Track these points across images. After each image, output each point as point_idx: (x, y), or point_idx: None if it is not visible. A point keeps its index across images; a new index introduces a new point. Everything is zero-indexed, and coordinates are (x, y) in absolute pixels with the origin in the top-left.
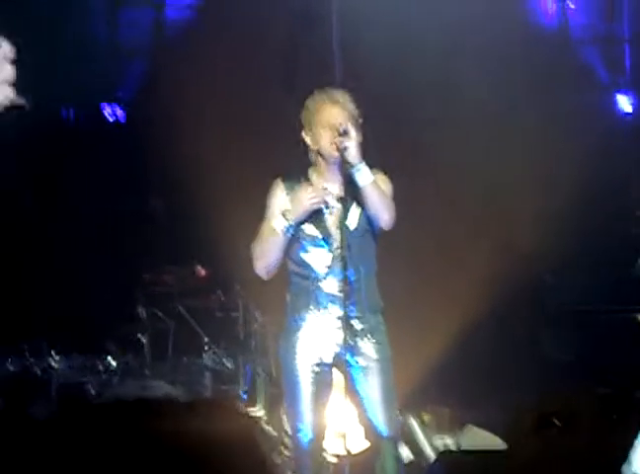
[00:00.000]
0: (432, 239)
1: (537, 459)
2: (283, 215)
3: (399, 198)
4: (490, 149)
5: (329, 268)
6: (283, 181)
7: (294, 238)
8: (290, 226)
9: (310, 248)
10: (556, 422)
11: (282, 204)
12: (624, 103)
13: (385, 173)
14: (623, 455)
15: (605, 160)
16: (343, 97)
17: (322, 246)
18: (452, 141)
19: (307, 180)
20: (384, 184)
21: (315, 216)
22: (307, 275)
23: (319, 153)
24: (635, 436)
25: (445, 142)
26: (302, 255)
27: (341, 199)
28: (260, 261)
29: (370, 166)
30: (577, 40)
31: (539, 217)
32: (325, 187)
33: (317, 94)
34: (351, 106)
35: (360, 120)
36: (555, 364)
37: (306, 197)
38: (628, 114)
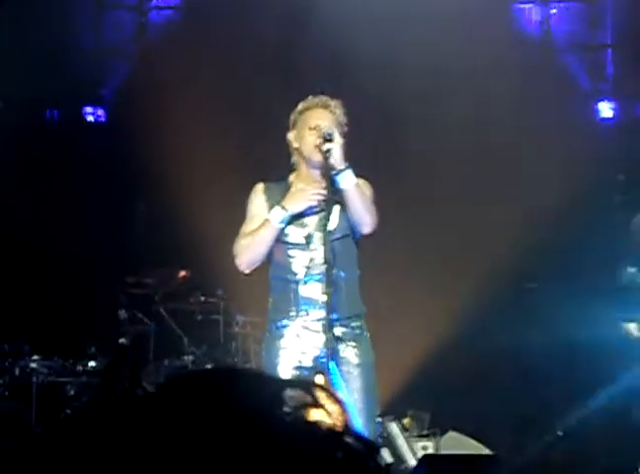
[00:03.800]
0: (417, 245)
1: (531, 467)
2: (282, 207)
3: (386, 206)
4: (473, 156)
5: (309, 271)
6: (264, 184)
7: (277, 241)
8: (286, 218)
9: (292, 251)
10: (559, 432)
11: (262, 207)
12: (606, 109)
13: (367, 179)
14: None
15: (588, 167)
16: (333, 102)
17: (304, 249)
18: (437, 146)
19: (287, 184)
20: (366, 188)
21: (298, 219)
22: (288, 278)
23: (301, 155)
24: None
25: (430, 147)
26: (284, 258)
27: (323, 203)
28: (245, 254)
29: (354, 171)
30: (559, 47)
31: (522, 224)
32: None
33: (309, 97)
34: (339, 112)
35: (346, 128)
36: (539, 371)
37: (310, 191)
38: (610, 120)
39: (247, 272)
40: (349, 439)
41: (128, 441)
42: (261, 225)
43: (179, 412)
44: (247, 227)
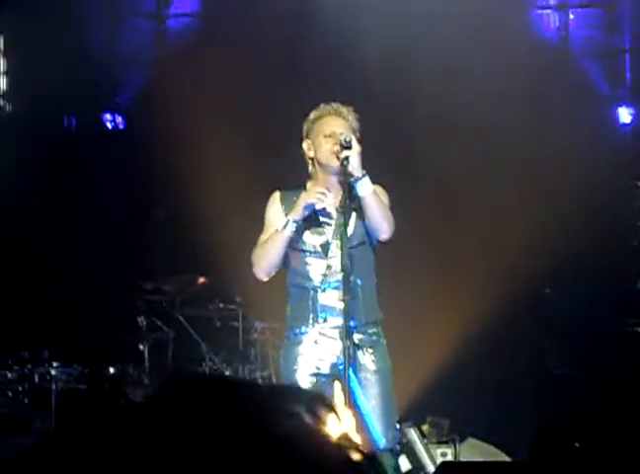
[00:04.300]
0: (433, 252)
1: None
2: (286, 214)
3: (400, 212)
4: (489, 161)
5: (327, 278)
6: (281, 192)
7: (294, 249)
8: (289, 221)
9: (309, 259)
10: (576, 444)
11: (279, 215)
12: (625, 115)
13: (383, 186)
14: None
15: (606, 171)
16: (346, 109)
17: (321, 257)
18: (452, 153)
19: (301, 193)
20: (383, 195)
21: (315, 226)
22: (306, 286)
23: (318, 163)
24: None
25: (443, 151)
26: (301, 265)
27: (341, 209)
28: (261, 262)
29: (370, 178)
30: (578, 53)
31: (539, 229)
32: (324, 192)
33: (321, 105)
34: (352, 118)
35: (359, 135)
36: (557, 376)
37: (312, 192)
38: (629, 125)
39: (265, 279)
40: (348, 451)
41: (111, 454)
42: (272, 234)
43: (165, 423)
44: (264, 235)
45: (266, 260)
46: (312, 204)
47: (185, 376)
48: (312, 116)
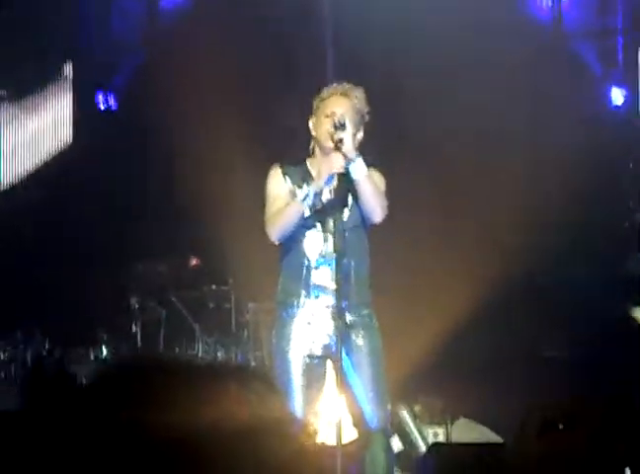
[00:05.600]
0: (428, 233)
1: (535, 458)
2: (297, 186)
3: (396, 193)
4: (481, 142)
5: (322, 257)
6: (282, 167)
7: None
8: (310, 192)
9: (307, 234)
10: (560, 426)
11: (284, 187)
12: (617, 96)
13: (380, 170)
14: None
15: (598, 153)
16: (354, 90)
17: (318, 234)
18: (444, 135)
19: (304, 167)
20: (378, 179)
21: (316, 204)
22: (301, 261)
23: (316, 142)
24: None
25: (439, 134)
26: (299, 241)
27: (335, 191)
28: (276, 226)
29: (366, 162)
30: (570, 34)
31: (529, 212)
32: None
33: (333, 84)
34: (358, 100)
35: (367, 118)
36: (547, 360)
37: (336, 162)
38: (620, 106)
39: (277, 242)
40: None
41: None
42: (292, 203)
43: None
44: (273, 207)
45: (281, 225)
46: (333, 175)
47: (121, 366)
48: (322, 94)
